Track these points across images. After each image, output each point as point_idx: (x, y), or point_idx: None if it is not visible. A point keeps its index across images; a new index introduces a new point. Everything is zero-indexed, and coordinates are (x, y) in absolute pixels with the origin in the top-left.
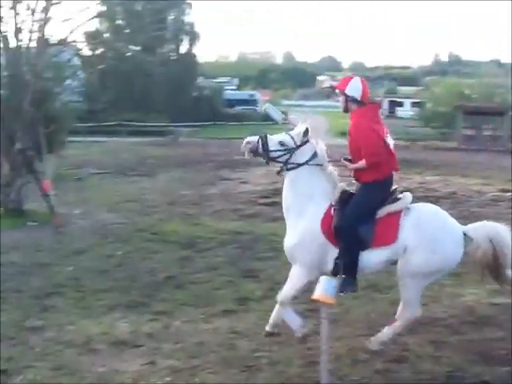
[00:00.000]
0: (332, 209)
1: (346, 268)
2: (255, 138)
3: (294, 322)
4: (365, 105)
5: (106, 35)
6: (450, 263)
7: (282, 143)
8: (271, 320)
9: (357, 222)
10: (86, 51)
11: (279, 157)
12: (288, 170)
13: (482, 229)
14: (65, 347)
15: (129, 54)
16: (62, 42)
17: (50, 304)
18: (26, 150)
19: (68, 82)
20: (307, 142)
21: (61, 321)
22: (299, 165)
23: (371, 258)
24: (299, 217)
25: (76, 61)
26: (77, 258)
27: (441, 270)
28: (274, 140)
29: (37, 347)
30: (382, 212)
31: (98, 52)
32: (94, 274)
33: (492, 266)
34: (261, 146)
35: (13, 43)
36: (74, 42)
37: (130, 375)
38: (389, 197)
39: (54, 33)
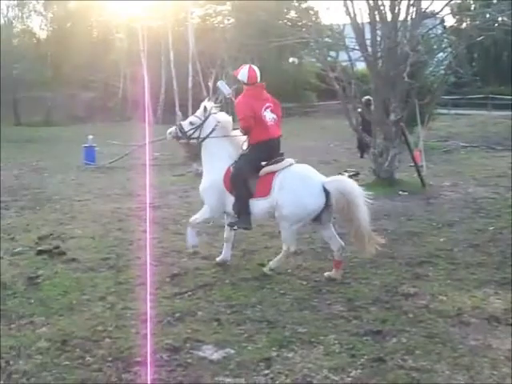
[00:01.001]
0: (232, 166)
1: (240, 210)
2: (174, 128)
3: (192, 240)
4: (252, 86)
5: (473, 6)
6: (311, 211)
7: (191, 123)
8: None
9: (242, 174)
10: (454, 23)
11: (193, 134)
12: (200, 142)
13: (334, 183)
14: (437, 316)
15: (496, 24)
16: (434, 15)
17: (422, 272)
18: (399, 121)
19: (438, 54)
20: (209, 116)
21: (433, 290)
22: (204, 138)
23: (255, 206)
24: (210, 171)
25: (444, 33)
26: (448, 230)
27: (305, 217)
28: (186, 123)
29: (410, 313)
30: (264, 171)
31: (465, 24)
32: (465, 246)
33: (346, 215)
34: (179, 131)
35: (389, 17)
36: (443, 14)
37: (502, 353)
38: (271, 158)
39: (427, 5)
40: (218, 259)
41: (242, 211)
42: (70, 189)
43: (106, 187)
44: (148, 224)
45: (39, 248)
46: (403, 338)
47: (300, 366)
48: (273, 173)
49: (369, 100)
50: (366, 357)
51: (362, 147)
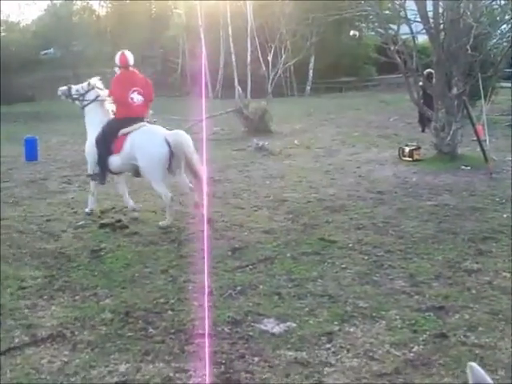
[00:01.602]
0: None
1: (100, 166)
2: (65, 87)
3: (91, 202)
4: (124, 69)
5: None
6: (158, 159)
7: (77, 90)
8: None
9: (103, 137)
10: None
11: (76, 98)
12: (82, 107)
13: (172, 136)
14: (500, 293)
15: None
16: None
17: (485, 248)
18: (461, 95)
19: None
20: (92, 89)
21: (496, 266)
22: (84, 105)
23: (112, 162)
24: (89, 135)
25: (508, 4)
26: (510, 205)
27: (157, 165)
28: (74, 88)
29: (472, 289)
30: (121, 133)
31: None
32: None
33: (186, 164)
34: (67, 92)
35: None
36: None
37: None
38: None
39: None
40: (86, 209)
41: (101, 167)
42: None
43: None
44: (205, 198)
45: (102, 221)
46: (466, 314)
47: (362, 341)
48: (127, 134)
49: (430, 73)
50: (428, 333)
51: (424, 121)
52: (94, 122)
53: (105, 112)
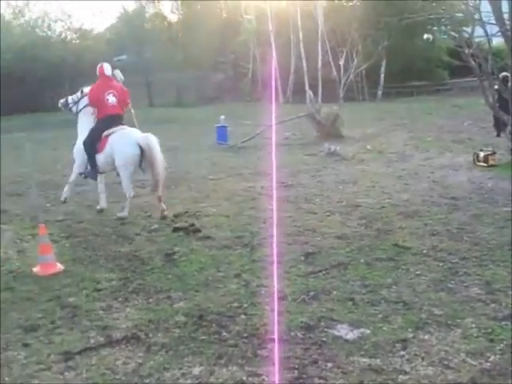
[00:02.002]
0: None
1: (90, 164)
2: (64, 99)
3: (67, 191)
4: (101, 77)
5: None
6: (131, 158)
7: (72, 99)
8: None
9: (90, 138)
10: None
11: (72, 107)
12: (76, 113)
13: (143, 138)
14: None
15: None
16: None
17: None
18: None
19: None
20: (84, 97)
21: None
22: (77, 112)
23: (97, 160)
24: (79, 137)
25: None
26: None
27: (129, 163)
28: (70, 98)
29: None
30: (104, 135)
31: None
32: None
33: (150, 165)
34: (65, 102)
35: None
36: None
37: None
38: (112, 128)
39: None
40: (98, 207)
41: (91, 165)
42: (204, 168)
43: (239, 166)
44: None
45: (175, 225)
46: None
47: (437, 349)
48: (109, 135)
49: (506, 76)
50: (505, 342)
51: (499, 126)
52: (84, 126)
53: (94, 117)
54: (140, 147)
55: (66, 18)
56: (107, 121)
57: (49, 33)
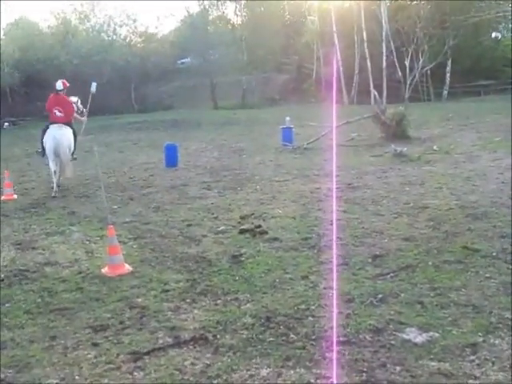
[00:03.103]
0: None
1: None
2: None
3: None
4: (55, 93)
5: None
6: (48, 148)
7: (78, 107)
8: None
9: (42, 133)
10: None
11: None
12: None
13: (54, 135)
14: None
15: None
16: None
17: None
18: None
19: None
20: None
21: None
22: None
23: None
24: None
25: None
26: None
27: (48, 151)
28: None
29: None
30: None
31: None
32: None
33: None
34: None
35: None
36: None
37: None
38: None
39: None
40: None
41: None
42: (269, 169)
43: (305, 168)
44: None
45: (242, 227)
46: None
47: (508, 354)
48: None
49: None
50: None
51: None
52: None
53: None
54: (55, 140)
55: (131, 22)
56: (51, 125)
57: (114, 37)
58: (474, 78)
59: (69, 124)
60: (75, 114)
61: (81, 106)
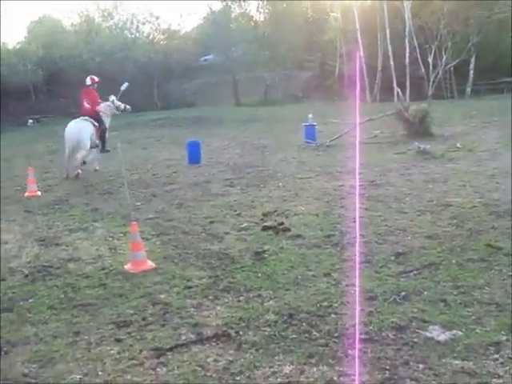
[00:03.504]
0: None
1: None
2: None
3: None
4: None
5: None
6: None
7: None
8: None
9: None
10: None
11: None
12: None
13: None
14: None
15: None
16: None
17: None
18: None
19: None
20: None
21: None
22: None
23: None
24: None
25: None
26: None
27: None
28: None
29: None
30: None
31: None
32: None
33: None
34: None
35: None
36: None
37: None
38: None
39: None
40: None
41: None
42: (292, 166)
43: (327, 165)
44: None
45: (264, 224)
46: None
47: None
48: None
49: None
50: None
51: None
52: None
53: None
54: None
55: (154, 19)
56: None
57: (137, 34)
58: (497, 75)
59: (95, 116)
60: (106, 108)
61: (119, 103)
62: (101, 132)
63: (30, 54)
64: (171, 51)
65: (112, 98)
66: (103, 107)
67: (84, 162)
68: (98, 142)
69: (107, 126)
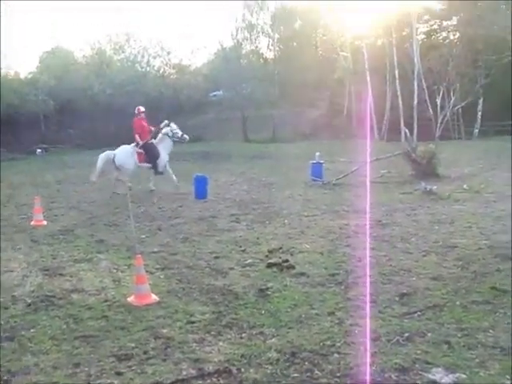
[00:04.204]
0: None
1: None
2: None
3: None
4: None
5: None
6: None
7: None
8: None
9: None
10: None
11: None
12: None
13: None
14: None
15: None
16: None
17: None
18: None
19: None
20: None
21: None
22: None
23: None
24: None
25: None
26: None
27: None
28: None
29: None
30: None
31: None
32: None
33: None
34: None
35: None
36: None
37: None
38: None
39: None
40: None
41: None
42: (298, 204)
43: (334, 203)
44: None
45: (269, 261)
46: None
47: None
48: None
49: None
50: None
51: None
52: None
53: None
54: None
55: (165, 54)
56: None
57: (148, 68)
58: (506, 117)
59: (144, 144)
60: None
61: (177, 131)
62: (151, 157)
63: (41, 84)
64: (181, 86)
65: (163, 124)
66: (159, 137)
67: (121, 180)
68: (145, 165)
69: (164, 150)
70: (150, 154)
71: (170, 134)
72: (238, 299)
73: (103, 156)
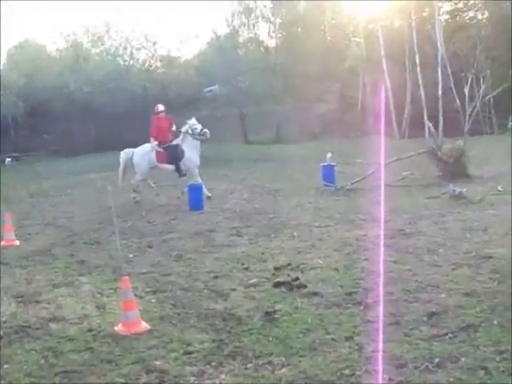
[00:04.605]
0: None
1: None
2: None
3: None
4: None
5: None
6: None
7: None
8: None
9: None
10: None
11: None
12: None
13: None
14: None
15: None
16: None
17: None
18: None
19: None
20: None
21: None
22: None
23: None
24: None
25: None
26: None
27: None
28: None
29: None
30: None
31: None
32: None
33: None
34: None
35: None
36: None
37: None
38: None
39: None
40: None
41: None
42: (308, 213)
43: (349, 211)
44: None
45: (276, 279)
46: None
47: None
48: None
49: None
50: None
51: None
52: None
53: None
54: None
55: (151, 45)
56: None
57: (131, 62)
58: None
59: (164, 142)
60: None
61: (196, 126)
62: (172, 158)
63: (9, 84)
64: (170, 81)
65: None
66: (181, 137)
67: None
68: (166, 166)
69: (191, 151)
70: (171, 155)
71: (190, 131)
72: (241, 324)
73: (123, 155)
